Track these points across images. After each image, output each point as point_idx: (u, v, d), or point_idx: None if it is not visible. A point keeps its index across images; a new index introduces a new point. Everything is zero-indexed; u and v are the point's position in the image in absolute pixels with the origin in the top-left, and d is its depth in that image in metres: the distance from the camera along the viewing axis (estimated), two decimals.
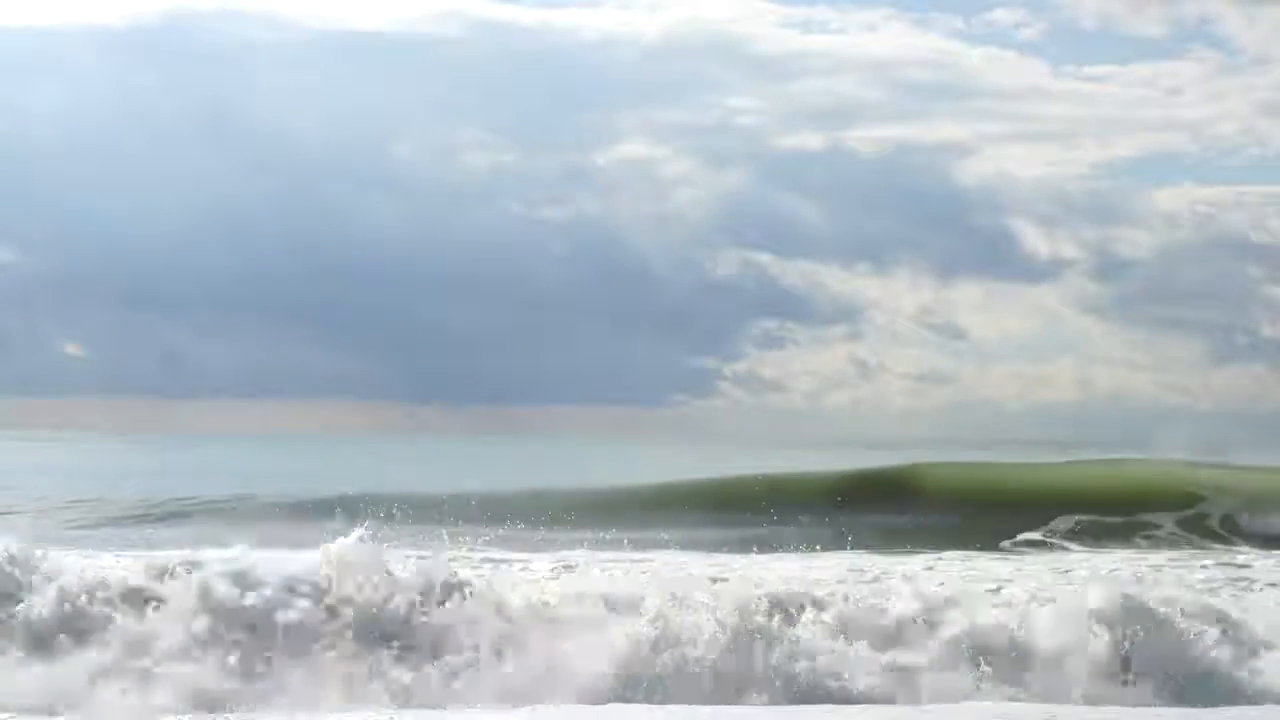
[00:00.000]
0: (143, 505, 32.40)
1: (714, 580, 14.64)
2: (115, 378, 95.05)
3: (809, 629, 13.31)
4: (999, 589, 16.92)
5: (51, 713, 11.96)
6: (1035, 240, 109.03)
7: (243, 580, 13.42)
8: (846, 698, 12.67)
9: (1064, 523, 27.80)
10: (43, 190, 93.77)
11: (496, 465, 55.57)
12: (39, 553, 13.84)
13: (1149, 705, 12.72)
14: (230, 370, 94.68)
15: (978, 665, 13.17)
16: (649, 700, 12.45)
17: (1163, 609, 13.55)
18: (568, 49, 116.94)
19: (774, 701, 12.59)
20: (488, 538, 20.59)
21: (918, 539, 24.69)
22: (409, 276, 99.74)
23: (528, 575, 17.50)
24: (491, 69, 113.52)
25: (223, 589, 13.32)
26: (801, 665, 12.88)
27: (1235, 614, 14.22)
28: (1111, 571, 20.90)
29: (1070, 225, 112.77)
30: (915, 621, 13.54)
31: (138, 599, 13.46)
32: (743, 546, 21.54)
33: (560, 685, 12.55)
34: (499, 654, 13.04)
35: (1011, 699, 12.71)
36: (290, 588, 13.41)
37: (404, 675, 12.78)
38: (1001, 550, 25.41)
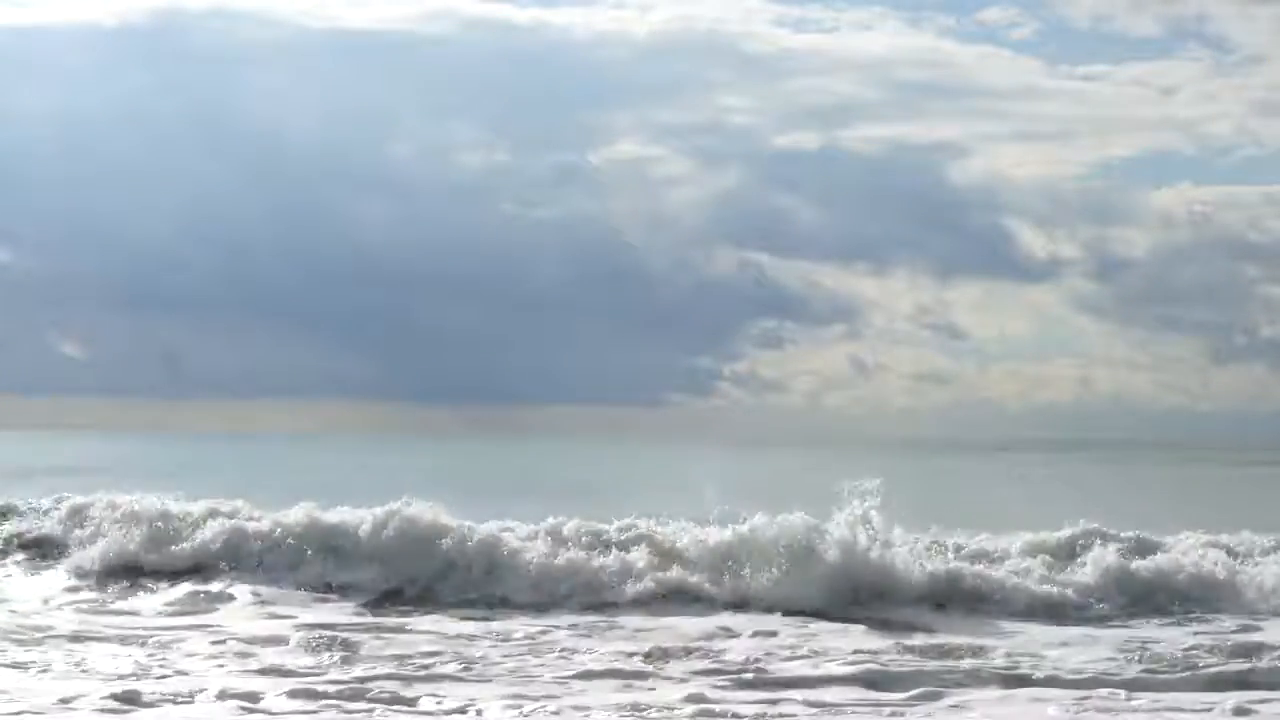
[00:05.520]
0: None
1: None
2: (114, 378, 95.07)
3: None
4: None
5: None
6: (1032, 240, 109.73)
7: None
8: None
9: None
10: (39, 191, 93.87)
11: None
12: None
13: None
14: (230, 370, 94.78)
15: None
16: None
17: None
18: (561, 48, 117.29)
19: None
20: None
21: None
22: (406, 276, 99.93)
23: None
24: (485, 68, 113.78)
25: None
26: None
27: None
28: None
29: (1067, 225, 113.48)
30: None
31: None
32: None
33: None
34: None
35: None
36: None
37: None
38: None
